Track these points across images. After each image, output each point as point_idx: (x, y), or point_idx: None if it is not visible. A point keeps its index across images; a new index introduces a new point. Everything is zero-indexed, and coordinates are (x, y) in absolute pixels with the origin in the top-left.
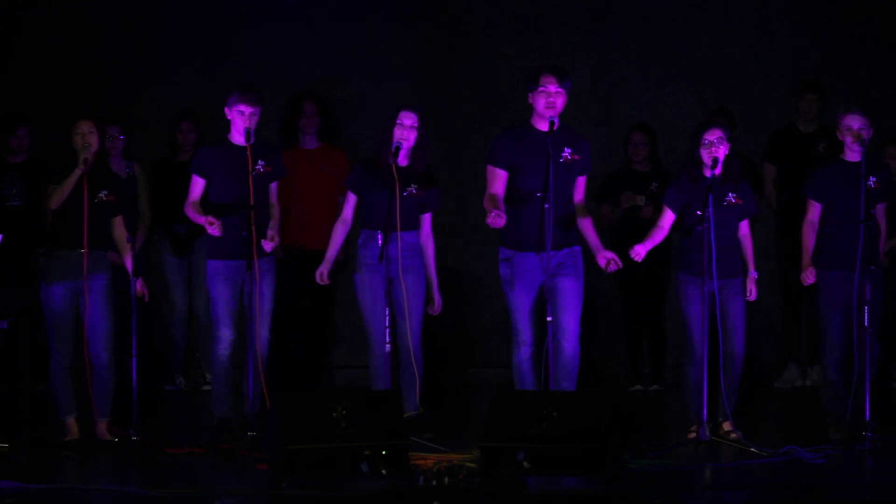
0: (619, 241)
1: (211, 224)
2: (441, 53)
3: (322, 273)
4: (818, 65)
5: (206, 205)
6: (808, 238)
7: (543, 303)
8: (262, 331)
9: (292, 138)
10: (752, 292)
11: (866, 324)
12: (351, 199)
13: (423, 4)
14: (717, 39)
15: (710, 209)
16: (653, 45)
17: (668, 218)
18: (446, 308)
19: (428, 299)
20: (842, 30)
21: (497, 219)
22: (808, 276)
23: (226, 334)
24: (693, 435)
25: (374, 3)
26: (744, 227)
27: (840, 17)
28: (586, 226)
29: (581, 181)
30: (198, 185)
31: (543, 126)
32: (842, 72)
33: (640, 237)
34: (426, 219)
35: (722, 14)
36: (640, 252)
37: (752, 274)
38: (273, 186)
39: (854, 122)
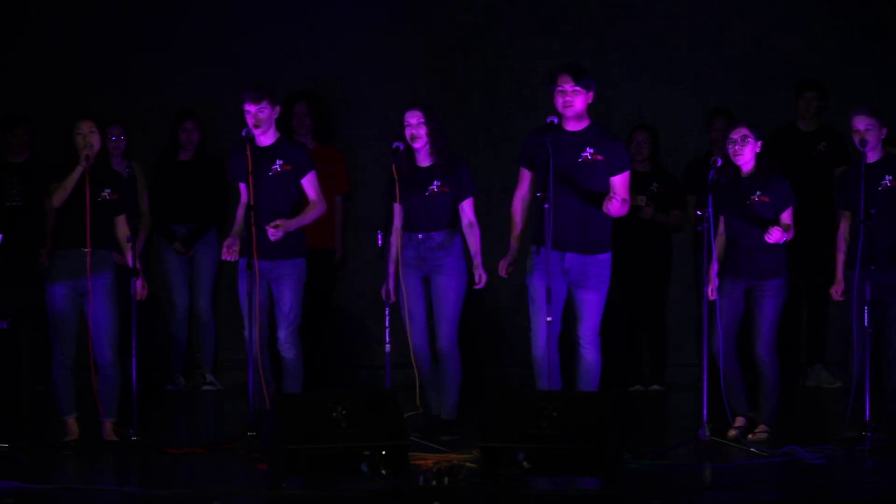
0: (619, 241)
1: (228, 247)
2: (441, 53)
3: (389, 290)
4: (818, 65)
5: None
6: (840, 251)
7: (567, 301)
8: (281, 333)
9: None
10: (772, 233)
11: (866, 324)
12: (397, 209)
13: (422, 4)
14: (717, 39)
15: (710, 209)
16: (653, 45)
17: (722, 223)
18: None
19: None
20: (842, 30)
21: (505, 271)
22: (836, 293)
23: (249, 333)
24: (733, 432)
25: (374, 3)
26: (785, 219)
27: (840, 17)
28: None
29: (615, 183)
30: (242, 190)
31: (568, 125)
32: (842, 72)
33: (640, 237)
34: (466, 207)
35: (722, 14)
36: (714, 279)
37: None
38: (306, 182)
39: (860, 123)
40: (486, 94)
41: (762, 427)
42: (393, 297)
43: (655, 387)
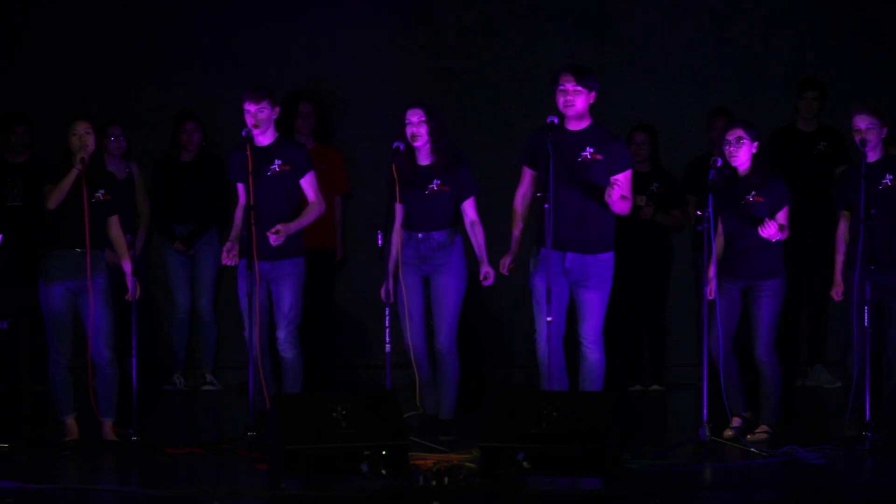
0: (619, 241)
1: (228, 251)
2: (441, 54)
3: (388, 289)
4: (818, 64)
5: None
6: (839, 252)
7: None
8: (280, 333)
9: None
10: (767, 226)
11: (866, 324)
12: (398, 208)
13: (422, 4)
14: (717, 39)
15: (710, 209)
16: (653, 45)
17: (721, 224)
18: None
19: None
20: (842, 30)
21: (507, 269)
22: (836, 295)
23: (249, 333)
24: (730, 432)
25: (374, 3)
26: (780, 218)
27: (840, 17)
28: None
29: (617, 181)
30: (240, 190)
31: (569, 125)
32: (842, 71)
33: (640, 237)
34: (468, 206)
35: (722, 14)
36: (712, 283)
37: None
38: (305, 183)
39: (861, 122)
40: (486, 94)
41: (763, 427)
42: (392, 298)
43: (655, 387)
